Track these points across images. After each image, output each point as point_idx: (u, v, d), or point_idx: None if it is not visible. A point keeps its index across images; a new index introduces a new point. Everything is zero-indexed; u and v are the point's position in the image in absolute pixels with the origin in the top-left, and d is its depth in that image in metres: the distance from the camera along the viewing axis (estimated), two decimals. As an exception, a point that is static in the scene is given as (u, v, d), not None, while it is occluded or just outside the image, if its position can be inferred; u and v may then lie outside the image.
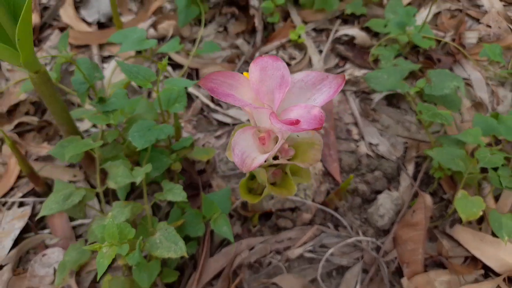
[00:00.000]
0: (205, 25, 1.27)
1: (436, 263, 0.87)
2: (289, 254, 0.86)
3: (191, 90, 1.12)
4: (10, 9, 0.54)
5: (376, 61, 1.17)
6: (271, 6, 1.21)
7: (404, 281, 0.82)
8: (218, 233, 0.83)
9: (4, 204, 0.94)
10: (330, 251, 0.85)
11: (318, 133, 0.59)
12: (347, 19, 1.28)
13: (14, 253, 0.85)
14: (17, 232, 0.88)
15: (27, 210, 0.92)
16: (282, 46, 1.21)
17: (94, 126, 1.07)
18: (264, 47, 1.20)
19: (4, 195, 0.95)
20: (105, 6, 1.32)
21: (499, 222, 0.81)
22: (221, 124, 1.07)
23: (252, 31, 1.25)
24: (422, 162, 0.99)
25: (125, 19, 1.31)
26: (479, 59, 1.16)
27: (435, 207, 0.93)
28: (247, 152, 0.50)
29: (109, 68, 1.17)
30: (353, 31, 1.22)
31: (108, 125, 0.97)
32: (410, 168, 0.98)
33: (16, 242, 0.88)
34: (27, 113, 1.10)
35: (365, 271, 0.85)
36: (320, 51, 1.20)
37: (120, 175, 0.66)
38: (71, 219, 0.91)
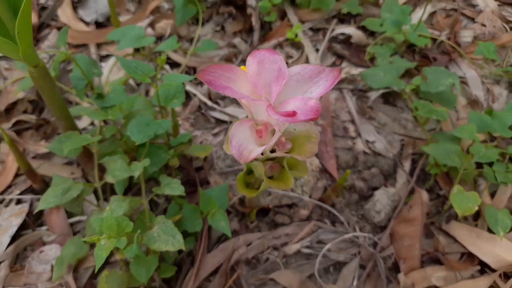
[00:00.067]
0: (203, 24, 1.28)
1: (432, 259, 0.87)
2: (287, 250, 0.86)
3: (188, 88, 1.13)
4: (10, 4, 0.54)
5: (372, 59, 1.18)
6: (268, 6, 1.22)
7: (401, 276, 0.83)
8: (215, 229, 0.84)
9: (1, 201, 0.94)
10: (327, 246, 0.85)
11: (315, 127, 0.60)
12: (343, 19, 1.29)
13: (12, 250, 0.86)
14: (14, 229, 0.88)
15: (24, 207, 0.92)
16: (279, 45, 1.22)
17: (92, 124, 1.07)
18: (261, 46, 1.20)
19: (2, 193, 0.96)
20: (103, 6, 1.32)
21: (495, 218, 0.82)
22: (219, 121, 1.07)
23: (249, 30, 1.26)
24: (419, 159, 1.00)
25: (123, 18, 1.31)
26: (474, 57, 1.17)
27: (431, 204, 0.93)
28: (244, 144, 0.51)
29: (107, 66, 1.18)
30: (349, 30, 1.23)
31: (106, 123, 0.97)
32: (407, 165, 0.99)
33: (13, 239, 0.88)
34: (25, 112, 1.10)
35: (362, 266, 0.85)
36: (317, 50, 1.21)
37: (118, 169, 0.66)
38: (69, 216, 0.91)
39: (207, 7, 1.31)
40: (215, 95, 1.12)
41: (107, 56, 1.24)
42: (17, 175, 0.98)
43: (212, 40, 1.25)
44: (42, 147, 1.02)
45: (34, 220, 0.92)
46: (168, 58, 1.20)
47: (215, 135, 1.04)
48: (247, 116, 0.57)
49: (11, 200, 0.94)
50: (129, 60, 0.64)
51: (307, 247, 0.87)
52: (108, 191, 0.90)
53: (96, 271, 0.59)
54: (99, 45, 1.25)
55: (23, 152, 1.02)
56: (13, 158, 0.99)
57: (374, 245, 0.88)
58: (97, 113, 0.72)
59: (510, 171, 0.86)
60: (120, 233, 0.58)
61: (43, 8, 1.35)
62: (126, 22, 1.29)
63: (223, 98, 1.12)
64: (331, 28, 1.26)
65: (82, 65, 0.75)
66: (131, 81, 1.16)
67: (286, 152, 0.59)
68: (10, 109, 1.10)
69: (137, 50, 1.18)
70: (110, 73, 1.13)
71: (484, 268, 0.84)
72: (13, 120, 1.07)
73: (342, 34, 1.24)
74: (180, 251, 0.84)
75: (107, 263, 0.83)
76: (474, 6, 1.31)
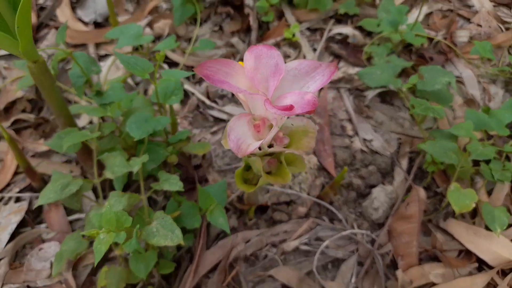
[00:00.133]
0: (201, 24, 1.29)
1: (430, 256, 0.88)
2: (285, 247, 0.86)
3: (187, 87, 1.14)
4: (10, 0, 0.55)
5: (369, 59, 1.19)
6: (265, 6, 1.23)
7: (399, 273, 0.83)
8: (214, 225, 0.84)
9: (1, 199, 0.95)
10: (325, 243, 0.86)
11: (312, 122, 0.60)
12: (340, 19, 1.30)
13: (11, 247, 0.86)
14: (13, 227, 0.88)
15: (23, 205, 0.92)
16: (277, 45, 1.23)
17: (91, 123, 1.08)
18: (259, 46, 1.21)
19: (1, 191, 0.96)
20: (101, 6, 1.33)
21: (492, 215, 0.83)
22: (217, 120, 1.08)
23: (247, 30, 1.27)
24: (416, 157, 1.00)
25: (121, 19, 1.32)
26: (471, 57, 1.18)
27: (429, 201, 0.94)
28: (242, 138, 0.51)
29: (105, 66, 1.18)
30: (346, 30, 1.24)
31: (104, 121, 0.97)
32: (404, 163, 1.00)
33: (12, 237, 0.88)
34: (23, 111, 1.10)
35: (360, 263, 0.86)
36: (314, 50, 1.22)
37: (117, 165, 0.67)
38: (68, 213, 0.92)
39: (205, 7, 1.32)
40: (214, 94, 1.13)
41: (106, 56, 1.24)
42: (16, 173, 0.99)
43: (210, 39, 1.25)
44: (41, 146, 1.02)
45: (33, 217, 0.92)
46: (167, 58, 1.20)
47: (214, 133, 1.04)
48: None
49: (10, 198, 0.95)
50: (128, 56, 0.64)
51: (306, 244, 0.87)
52: (107, 188, 0.90)
53: (95, 265, 0.59)
54: (97, 45, 1.26)
55: (22, 151, 1.02)
56: (12, 156, 0.99)
57: (372, 242, 0.88)
58: (96, 110, 0.72)
59: (506, 169, 0.87)
60: (119, 228, 0.58)
61: (41, 8, 1.35)
62: (125, 22, 1.29)
63: (222, 97, 1.12)
64: (328, 28, 1.27)
65: (81, 63, 0.75)
66: (129, 80, 1.16)
67: (283, 147, 0.59)
68: (9, 108, 1.10)
69: (135, 49, 1.19)
70: (109, 72, 1.13)
71: (482, 265, 0.84)
72: (12, 119, 1.07)
73: (339, 34, 1.25)
74: (179, 248, 0.85)
75: (106, 259, 0.84)
76: (470, 6, 1.32)
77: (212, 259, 0.84)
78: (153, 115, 0.72)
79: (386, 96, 1.12)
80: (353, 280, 0.83)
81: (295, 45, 1.23)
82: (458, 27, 1.27)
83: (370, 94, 1.11)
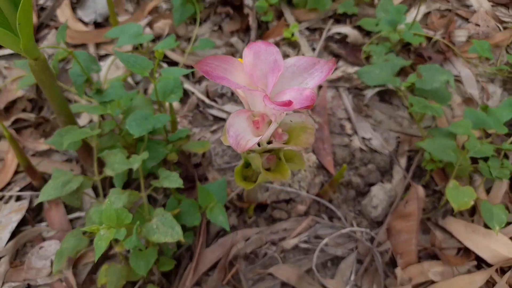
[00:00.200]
0: (200, 24, 1.29)
1: (429, 254, 0.88)
2: (285, 245, 0.87)
3: (186, 86, 1.14)
4: (11, -3, 0.55)
5: (368, 58, 1.19)
6: (264, 5, 1.23)
7: (398, 271, 0.83)
8: (214, 223, 0.84)
9: (1, 198, 0.95)
10: (325, 241, 0.86)
11: (311, 118, 0.61)
12: (339, 19, 1.31)
13: (11, 246, 0.86)
14: (14, 225, 0.88)
15: (24, 203, 0.92)
16: (276, 44, 1.23)
17: (91, 122, 1.08)
18: (258, 45, 1.22)
19: (2, 189, 0.96)
20: (102, 7, 1.34)
21: (491, 213, 0.83)
22: (217, 119, 1.08)
23: (247, 29, 1.27)
24: (414, 156, 1.01)
25: (121, 19, 1.33)
26: (469, 56, 1.19)
27: (428, 199, 0.94)
28: (241, 134, 0.51)
29: (105, 65, 1.19)
30: (345, 29, 1.24)
31: (104, 119, 0.98)
32: (403, 161, 1.00)
33: (13, 235, 0.88)
34: (24, 110, 1.11)
35: (359, 261, 0.86)
36: (313, 49, 1.23)
37: (117, 162, 0.67)
38: (68, 212, 0.92)
39: (204, 7, 1.32)
40: (213, 93, 1.13)
41: (106, 56, 1.25)
42: (16, 172, 0.99)
43: (210, 39, 1.26)
44: (41, 145, 1.03)
45: (33, 216, 0.93)
46: (166, 57, 1.21)
47: (213, 132, 1.05)
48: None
49: (11, 197, 0.95)
50: (128, 55, 0.65)
51: (305, 242, 0.88)
52: (107, 187, 0.91)
53: (95, 262, 0.59)
54: (97, 45, 1.26)
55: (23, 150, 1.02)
56: (13, 155, 0.99)
57: (371, 240, 0.89)
58: (96, 108, 0.73)
59: (505, 167, 0.87)
60: (119, 224, 0.58)
61: (42, 8, 1.36)
62: (125, 22, 1.30)
63: (221, 96, 1.13)
64: (327, 28, 1.27)
65: (81, 61, 0.76)
66: (129, 80, 1.17)
67: (282, 143, 0.60)
68: (10, 107, 1.11)
69: (135, 49, 1.19)
70: (109, 71, 1.14)
71: (481, 263, 0.85)
72: (13, 118, 1.08)
73: (338, 33, 1.25)
74: (179, 246, 0.85)
75: (106, 257, 0.84)
76: (468, 6, 1.33)
77: (212, 257, 0.84)
78: (153, 113, 0.73)
79: (385, 95, 1.12)
80: (352, 277, 0.83)
81: (294, 45, 1.24)
82: (456, 26, 1.27)
83: (369, 93, 1.12)
